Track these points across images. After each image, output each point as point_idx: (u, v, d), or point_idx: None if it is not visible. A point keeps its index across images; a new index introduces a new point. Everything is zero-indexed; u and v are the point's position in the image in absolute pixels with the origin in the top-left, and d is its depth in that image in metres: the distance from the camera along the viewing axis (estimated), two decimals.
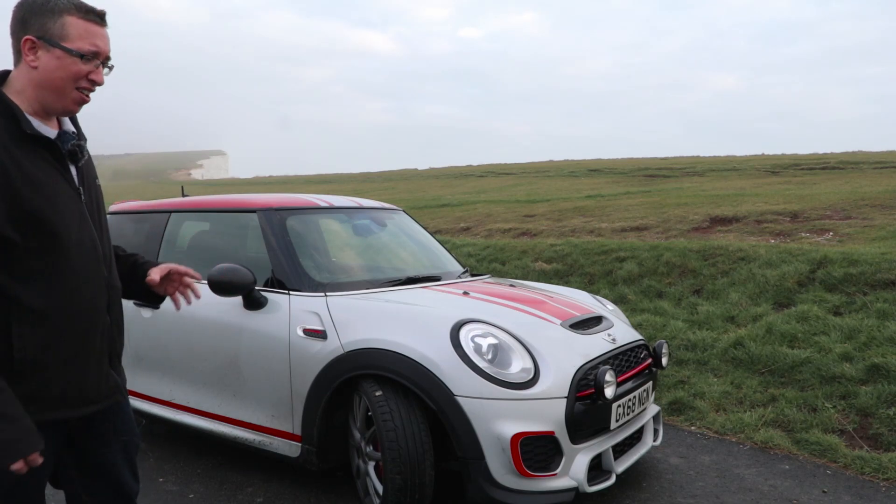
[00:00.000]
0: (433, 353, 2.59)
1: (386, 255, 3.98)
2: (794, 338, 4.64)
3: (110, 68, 1.55)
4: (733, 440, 3.70)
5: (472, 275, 3.86)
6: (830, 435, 3.59)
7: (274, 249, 3.19)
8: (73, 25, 1.45)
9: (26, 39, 1.44)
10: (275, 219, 3.31)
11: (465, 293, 3.21)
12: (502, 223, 11.13)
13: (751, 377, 4.37)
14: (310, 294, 3.02)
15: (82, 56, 1.46)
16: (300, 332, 2.91)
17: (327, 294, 3.01)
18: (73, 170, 1.54)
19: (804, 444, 3.54)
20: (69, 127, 1.58)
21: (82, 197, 1.54)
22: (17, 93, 1.47)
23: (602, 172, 27.37)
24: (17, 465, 1.36)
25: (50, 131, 1.50)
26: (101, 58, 1.50)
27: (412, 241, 4.08)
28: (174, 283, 1.78)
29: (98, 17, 1.50)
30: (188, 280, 1.79)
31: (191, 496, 3.07)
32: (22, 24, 1.45)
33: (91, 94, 1.53)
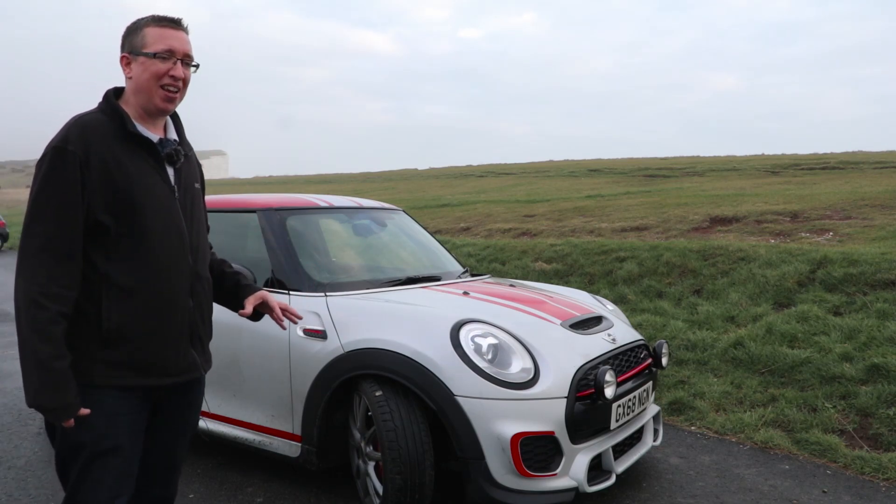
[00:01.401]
0: (433, 353, 2.59)
1: (386, 255, 3.98)
2: (794, 338, 4.64)
3: (195, 67, 1.77)
4: (733, 440, 3.70)
5: (472, 275, 3.86)
6: (830, 435, 3.59)
7: (274, 249, 3.20)
8: (150, 34, 1.70)
9: (122, 57, 1.72)
10: (275, 219, 3.31)
11: (465, 293, 3.21)
12: (502, 223, 11.14)
13: (751, 377, 4.37)
14: (310, 294, 3.02)
15: (155, 55, 1.68)
16: (300, 332, 2.91)
17: (327, 294, 3.01)
18: (170, 171, 1.76)
19: (804, 444, 3.54)
20: (172, 135, 1.81)
21: (176, 194, 1.76)
22: (125, 102, 1.73)
23: (602, 172, 27.37)
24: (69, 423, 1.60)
25: (152, 135, 1.73)
26: (177, 55, 1.71)
27: (412, 241, 4.08)
28: (271, 311, 2.04)
29: (171, 23, 1.72)
30: (282, 313, 2.05)
31: (191, 496, 3.07)
32: (121, 47, 1.73)
33: (179, 92, 1.74)
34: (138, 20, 1.73)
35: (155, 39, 1.69)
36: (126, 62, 1.72)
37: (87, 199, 1.60)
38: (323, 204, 3.71)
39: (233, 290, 2.03)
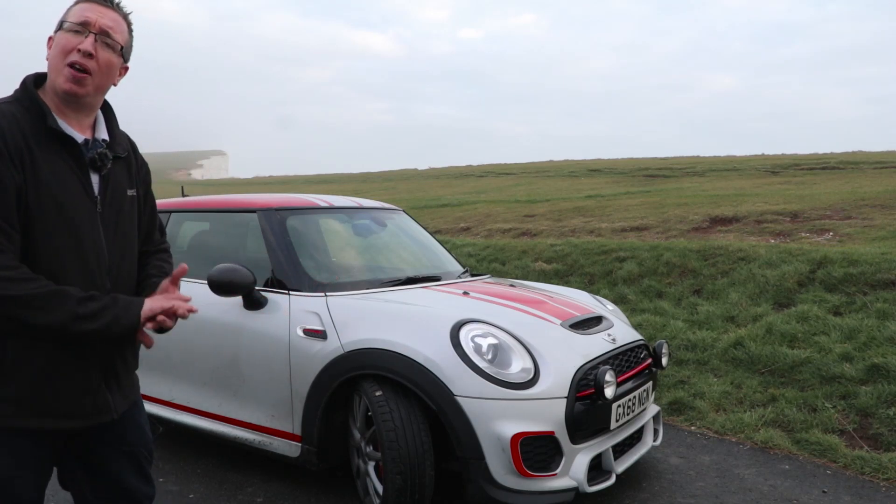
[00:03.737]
0: (433, 353, 2.59)
1: (386, 255, 3.99)
2: (794, 338, 4.64)
3: (120, 52, 1.51)
4: (733, 440, 3.70)
5: (472, 275, 3.86)
6: (830, 435, 3.59)
7: (274, 249, 3.20)
8: (75, 10, 1.49)
9: (48, 39, 1.49)
10: (275, 219, 3.31)
11: (465, 293, 3.21)
12: (502, 223, 11.13)
13: (751, 377, 4.37)
14: (310, 294, 3.02)
15: (63, 24, 1.47)
16: (300, 332, 2.91)
17: (327, 294, 3.01)
18: (95, 178, 1.52)
19: (804, 444, 3.54)
20: (102, 135, 1.56)
21: (98, 206, 1.52)
22: (45, 92, 1.50)
23: (602, 172, 27.34)
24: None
25: (76, 135, 1.49)
26: (91, 28, 1.47)
27: (412, 241, 4.08)
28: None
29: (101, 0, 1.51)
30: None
31: (191, 496, 3.07)
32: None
33: (91, 75, 1.47)
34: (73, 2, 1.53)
35: (76, 13, 1.48)
36: (50, 45, 1.50)
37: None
38: (323, 204, 3.71)
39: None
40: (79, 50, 1.45)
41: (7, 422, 1.44)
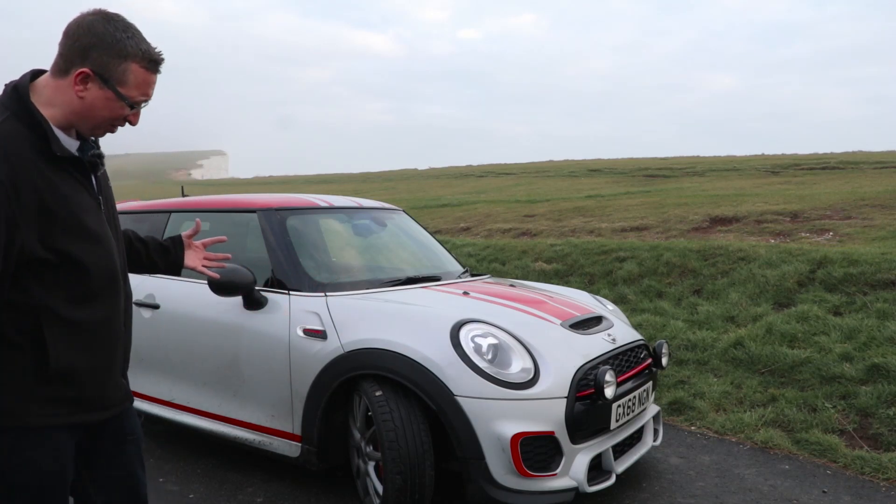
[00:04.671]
0: (433, 353, 2.59)
1: (386, 255, 3.99)
2: (794, 338, 4.64)
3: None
4: (733, 440, 3.70)
5: (472, 275, 3.86)
6: (830, 435, 3.59)
7: (274, 249, 3.20)
8: (135, 74, 1.45)
9: (81, 72, 1.40)
10: (275, 219, 3.31)
11: (465, 293, 3.21)
12: (502, 223, 11.13)
13: (751, 377, 4.37)
14: (310, 294, 3.02)
15: (133, 106, 1.48)
16: (300, 332, 2.91)
17: (327, 294, 3.02)
18: (92, 179, 1.55)
19: (804, 444, 3.54)
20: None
21: (101, 206, 1.55)
22: (48, 105, 1.44)
23: (602, 172, 27.34)
24: None
25: (72, 143, 1.49)
26: (143, 103, 1.51)
27: (412, 241, 4.08)
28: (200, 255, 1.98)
29: (157, 66, 1.50)
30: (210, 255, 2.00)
31: (191, 496, 3.07)
32: (83, 51, 1.41)
33: None
34: (121, 39, 1.42)
35: (137, 83, 1.46)
36: (83, 79, 1.41)
37: (22, 236, 1.35)
38: (323, 204, 3.71)
39: (162, 253, 1.93)
40: (128, 121, 1.51)
41: (65, 419, 1.48)
